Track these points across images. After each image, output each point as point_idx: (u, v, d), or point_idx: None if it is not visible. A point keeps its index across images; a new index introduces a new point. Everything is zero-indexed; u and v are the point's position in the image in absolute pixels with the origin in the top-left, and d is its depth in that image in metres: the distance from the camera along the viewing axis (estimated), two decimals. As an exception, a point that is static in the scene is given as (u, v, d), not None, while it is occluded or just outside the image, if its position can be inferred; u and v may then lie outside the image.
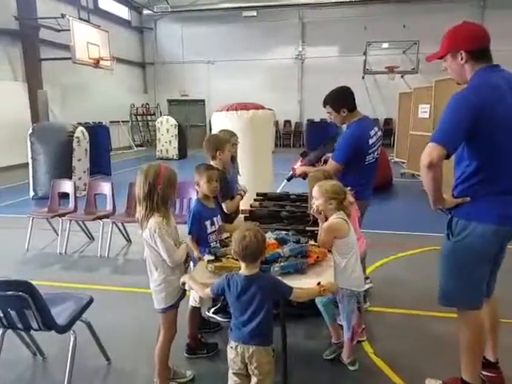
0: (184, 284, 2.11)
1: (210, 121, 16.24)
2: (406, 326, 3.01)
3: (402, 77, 13.79)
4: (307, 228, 2.69)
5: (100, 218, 4.52)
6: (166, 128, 12.73)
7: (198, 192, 2.58)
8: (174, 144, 12.73)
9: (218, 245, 2.44)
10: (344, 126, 3.05)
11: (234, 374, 1.87)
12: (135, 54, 16.46)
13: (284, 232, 2.51)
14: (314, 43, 14.74)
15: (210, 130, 9.82)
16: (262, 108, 5.55)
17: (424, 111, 8.24)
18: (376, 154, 2.95)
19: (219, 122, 5.57)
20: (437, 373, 2.36)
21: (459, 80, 2.00)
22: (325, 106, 2.96)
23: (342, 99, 2.90)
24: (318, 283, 1.92)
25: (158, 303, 2.18)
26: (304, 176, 3.27)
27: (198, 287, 2.01)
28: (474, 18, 13.81)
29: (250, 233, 1.80)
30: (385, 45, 13.41)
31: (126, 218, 4.55)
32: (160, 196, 2.05)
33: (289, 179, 3.54)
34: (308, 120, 14.80)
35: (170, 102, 17.04)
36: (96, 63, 11.04)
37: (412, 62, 13.28)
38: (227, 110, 5.40)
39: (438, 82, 6.68)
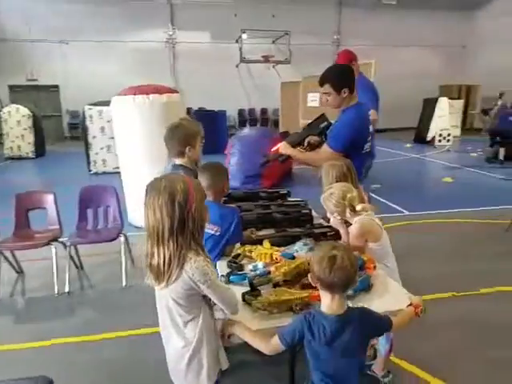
0: (229, 337, 1.47)
1: (67, 110, 14.21)
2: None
3: (273, 67, 14.17)
4: (316, 231, 2.25)
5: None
6: (17, 120, 10.36)
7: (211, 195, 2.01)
8: (29, 139, 10.47)
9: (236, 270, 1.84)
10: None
11: None
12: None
13: (302, 242, 2.03)
14: (185, 27, 13.84)
15: (84, 120, 8.34)
16: (176, 92, 4.78)
17: (313, 99, 8.51)
18: (372, 141, 2.68)
19: (123, 109, 4.59)
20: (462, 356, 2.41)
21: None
22: (322, 85, 2.50)
23: (345, 78, 2.48)
24: (410, 304, 1.54)
25: None
26: (284, 160, 2.82)
27: (258, 339, 1.40)
28: (334, 14, 15.06)
29: (342, 253, 1.31)
30: (244, 35, 13.37)
31: (17, 243, 3.33)
32: (197, 222, 1.34)
33: (263, 164, 3.06)
34: (188, 108, 13.89)
35: (12, 88, 14.01)
36: None
37: (282, 52, 13.70)
38: (134, 94, 4.46)
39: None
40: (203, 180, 1.98)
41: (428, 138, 11.64)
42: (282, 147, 2.70)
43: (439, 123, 11.48)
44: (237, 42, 13.62)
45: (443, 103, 11.62)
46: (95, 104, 8.32)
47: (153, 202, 1.30)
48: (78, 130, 11.65)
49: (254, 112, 15.08)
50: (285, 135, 2.86)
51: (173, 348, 1.44)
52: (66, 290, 3.28)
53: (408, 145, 11.32)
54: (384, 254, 2.00)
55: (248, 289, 1.62)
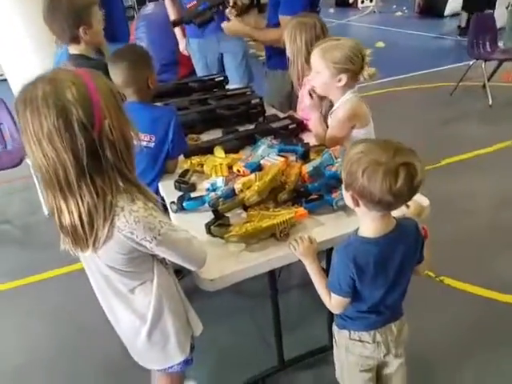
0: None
1: None
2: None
3: None
4: (274, 125, 1.82)
5: None
6: None
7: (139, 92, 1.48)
8: None
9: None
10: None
11: (364, 371, 1.14)
12: None
13: (265, 141, 1.59)
14: None
15: None
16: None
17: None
18: None
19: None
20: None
21: None
22: None
23: None
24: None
25: (166, 359, 1.12)
26: (202, 22, 2.22)
27: (324, 292, 1.07)
28: None
29: (413, 157, 0.88)
30: None
31: None
32: (118, 146, 0.83)
33: (176, 23, 2.47)
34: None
35: None
36: None
37: None
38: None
39: None
40: (118, 74, 1.42)
41: (350, 0, 10.87)
42: (229, 26, 2.11)
43: (362, -18, 10.64)
44: None
45: (364, -45, 10.61)
46: None
47: (33, 129, 0.75)
48: None
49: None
50: None
51: (122, 323, 1.06)
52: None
53: (331, 10, 10.54)
54: None
55: (209, 216, 1.23)
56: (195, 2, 2.16)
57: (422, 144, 3.15)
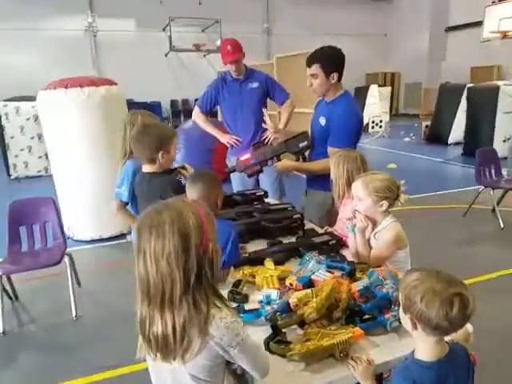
0: None
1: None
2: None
3: (204, 56, 13.62)
4: (316, 240, 1.95)
5: None
6: None
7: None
8: None
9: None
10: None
11: None
12: None
13: (312, 257, 1.71)
14: (106, 14, 12.69)
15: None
16: (115, 83, 4.18)
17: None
18: None
19: (53, 105, 3.94)
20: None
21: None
22: (310, 65, 2.22)
23: (337, 61, 2.22)
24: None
25: None
26: (252, 174, 2.51)
27: None
28: (262, 2, 14.82)
29: (464, 288, 1.00)
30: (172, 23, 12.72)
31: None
32: (215, 266, 0.98)
33: (230, 171, 2.74)
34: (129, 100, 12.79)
35: None
36: None
37: (212, 41, 13.18)
38: (66, 87, 3.81)
39: (279, 58, 6.67)
40: (195, 191, 1.64)
41: (362, 126, 11.98)
42: (281, 165, 2.41)
43: (371, 110, 11.88)
44: (164, 30, 12.89)
45: (374, 91, 12.04)
46: (10, 100, 7.30)
47: (155, 249, 0.89)
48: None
49: (187, 103, 14.34)
50: (258, 146, 2.56)
51: None
52: (0, 329, 2.68)
53: (344, 133, 11.55)
54: (407, 260, 1.78)
55: (264, 329, 1.28)
56: (249, 156, 2.46)
57: (441, 264, 3.25)
